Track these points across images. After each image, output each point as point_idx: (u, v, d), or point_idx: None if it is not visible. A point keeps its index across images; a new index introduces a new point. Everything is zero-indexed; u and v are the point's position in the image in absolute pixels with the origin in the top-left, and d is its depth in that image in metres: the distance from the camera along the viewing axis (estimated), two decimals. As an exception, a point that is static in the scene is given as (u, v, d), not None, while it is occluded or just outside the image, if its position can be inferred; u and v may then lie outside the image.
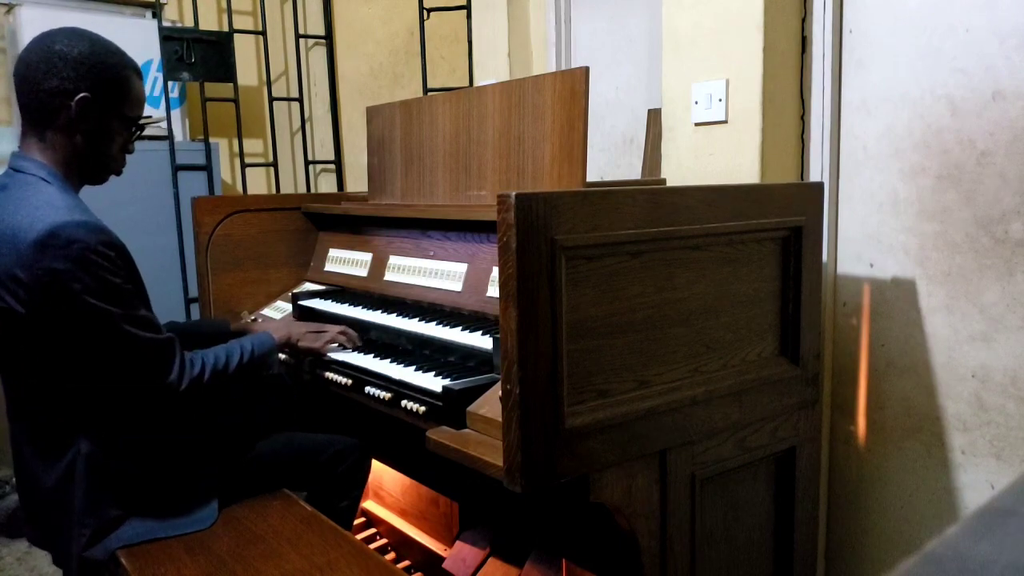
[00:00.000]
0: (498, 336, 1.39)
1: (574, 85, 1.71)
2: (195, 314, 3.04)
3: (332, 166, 3.68)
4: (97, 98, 1.50)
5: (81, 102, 1.48)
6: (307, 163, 3.59)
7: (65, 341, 1.44)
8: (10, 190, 1.47)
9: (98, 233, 1.41)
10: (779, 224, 1.51)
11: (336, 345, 1.88)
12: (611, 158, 2.68)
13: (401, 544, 2.39)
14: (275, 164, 3.50)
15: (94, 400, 1.52)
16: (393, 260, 2.15)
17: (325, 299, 2.19)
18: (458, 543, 2.11)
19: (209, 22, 3.29)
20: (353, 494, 1.92)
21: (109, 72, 1.51)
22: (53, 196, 1.44)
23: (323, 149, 3.68)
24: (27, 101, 1.49)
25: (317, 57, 3.65)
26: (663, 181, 2.04)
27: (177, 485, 1.61)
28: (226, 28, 3.19)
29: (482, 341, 1.61)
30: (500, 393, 1.23)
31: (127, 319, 1.44)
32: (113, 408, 1.54)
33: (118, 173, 1.62)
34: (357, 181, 3.62)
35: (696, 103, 1.94)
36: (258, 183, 3.56)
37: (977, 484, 1.74)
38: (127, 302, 1.45)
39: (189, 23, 3.19)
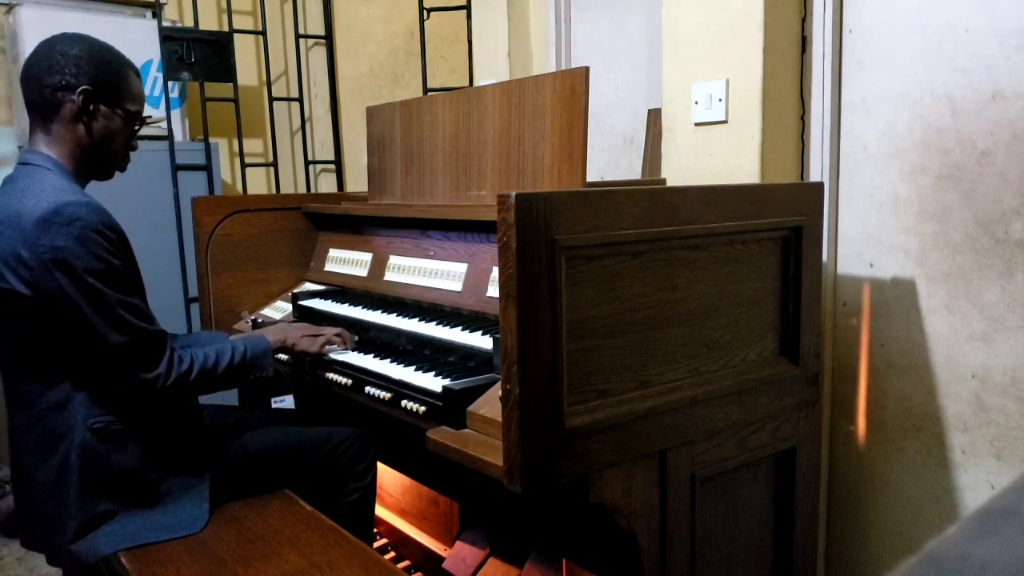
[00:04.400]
0: (498, 336, 1.39)
1: (574, 85, 1.71)
2: (195, 314, 3.04)
3: (332, 166, 3.68)
4: (98, 91, 1.57)
5: (83, 94, 1.55)
6: (307, 163, 3.59)
7: (61, 322, 1.46)
8: (17, 180, 1.54)
9: (100, 214, 1.48)
10: (779, 224, 1.51)
11: (333, 347, 1.88)
12: (611, 158, 2.68)
13: (401, 544, 2.39)
14: (275, 164, 3.50)
15: (89, 388, 1.53)
16: (393, 260, 2.15)
17: (325, 299, 2.19)
18: (458, 543, 2.11)
19: (209, 22, 3.29)
20: (360, 484, 1.87)
21: (108, 68, 1.59)
22: (58, 181, 1.52)
23: (323, 149, 3.68)
24: (33, 98, 1.57)
25: (317, 57, 3.65)
26: (663, 181, 2.04)
27: (170, 481, 1.61)
28: (226, 28, 3.19)
29: (482, 341, 1.61)
30: (500, 393, 1.23)
31: (122, 304, 1.48)
32: (107, 398, 1.55)
33: (122, 169, 1.69)
34: (357, 181, 3.62)
35: (696, 103, 1.94)
36: (258, 183, 3.56)
37: (977, 484, 1.74)
38: (123, 287, 1.50)
39: (189, 23, 3.19)
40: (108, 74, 1.58)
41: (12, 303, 1.46)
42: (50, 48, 1.56)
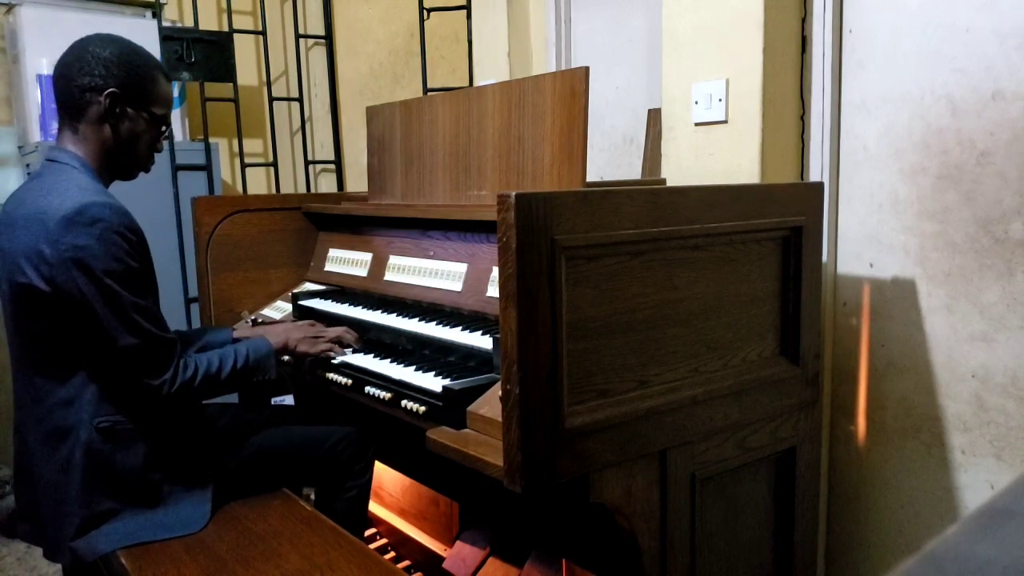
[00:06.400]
0: (498, 336, 1.39)
1: (574, 85, 1.71)
2: (195, 314, 3.04)
3: (332, 166, 3.68)
4: (125, 94, 1.60)
5: (110, 96, 1.57)
6: (307, 163, 3.59)
7: (75, 320, 1.48)
8: (43, 177, 1.56)
9: (122, 216, 1.50)
10: (779, 224, 1.51)
11: (333, 353, 1.86)
12: (611, 158, 2.68)
13: (401, 544, 2.39)
14: (275, 164, 3.50)
15: (99, 387, 1.54)
16: (393, 260, 2.15)
17: (325, 299, 2.19)
18: (458, 543, 2.11)
19: (209, 22, 3.29)
20: (358, 483, 1.89)
21: (137, 71, 1.61)
22: (83, 181, 1.54)
23: (323, 149, 3.68)
24: (62, 97, 1.59)
25: (317, 57, 3.65)
26: (663, 181, 2.04)
27: (173, 482, 1.62)
28: (226, 28, 3.19)
29: (482, 341, 1.61)
30: (500, 393, 1.23)
31: (136, 307, 1.49)
32: (115, 398, 1.56)
33: (146, 170, 1.72)
34: (357, 181, 3.62)
35: (696, 103, 1.94)
36: (258, 183, 3.56)
37: (977, 484, 1.74)
38: (139, 290, 1.51)
39: (189, 23, 3.19)
40: (137, 77, 1.60)
41: (31, 298, 1.48)
42: (83, 48, 1.58)
